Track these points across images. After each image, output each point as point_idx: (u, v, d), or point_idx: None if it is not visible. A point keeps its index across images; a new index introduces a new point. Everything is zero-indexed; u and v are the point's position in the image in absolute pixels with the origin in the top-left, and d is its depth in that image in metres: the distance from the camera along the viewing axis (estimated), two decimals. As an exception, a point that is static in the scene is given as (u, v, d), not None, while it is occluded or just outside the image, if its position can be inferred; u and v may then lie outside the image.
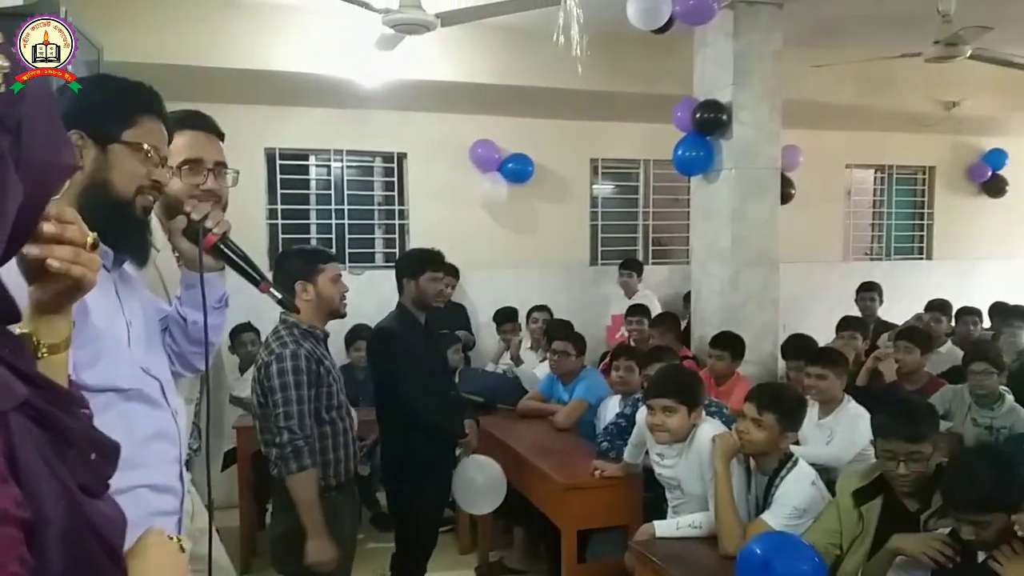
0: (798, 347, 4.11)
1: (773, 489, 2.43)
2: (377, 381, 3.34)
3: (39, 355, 0.93)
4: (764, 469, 2.50)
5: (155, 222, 1.74)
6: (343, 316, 2.68)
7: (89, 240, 0.89)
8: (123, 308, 1.36)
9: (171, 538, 0.93)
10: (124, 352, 1.33)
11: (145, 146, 1.35)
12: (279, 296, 1.56)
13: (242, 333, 4.71)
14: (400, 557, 3.28)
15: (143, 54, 4.19)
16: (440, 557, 3.36)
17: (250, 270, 1.53)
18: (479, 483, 3.27)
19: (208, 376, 1.62)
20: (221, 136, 1.83)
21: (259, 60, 4.73)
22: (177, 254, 1.59)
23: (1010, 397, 3.61)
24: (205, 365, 1.54)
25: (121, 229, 1.32)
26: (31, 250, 0.82)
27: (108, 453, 0.84)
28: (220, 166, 1.79)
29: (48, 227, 0.84)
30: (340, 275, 2.64)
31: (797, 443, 3.36)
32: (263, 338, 4.63)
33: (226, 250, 1.51)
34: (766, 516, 2.37)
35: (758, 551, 1.94)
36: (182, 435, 1.43)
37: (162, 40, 4.38)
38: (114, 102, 1.36)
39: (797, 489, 2.40)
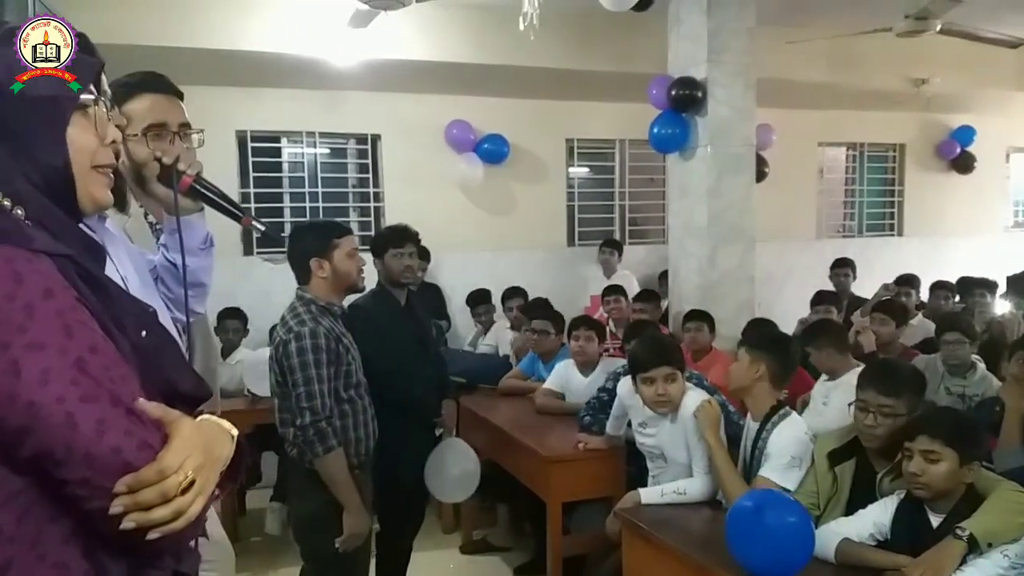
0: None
1: (765, 434, 2.45)
2: None
3: None
4: (756, 415, 2.53)
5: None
6: (362, 290, 2.65)
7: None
8: (116, 266, 1.36)
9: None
10: None
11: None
12: (262, 228, 1.55)
13: (227, 320, 4.61)
14: (385, 535, 3.25)
15: (107, 34, 4.08)
16: (424, 537, 3.34)
17: (229, 206, 1.52)
18: (451, 472, 3.18)
19: (188, 324, 1.61)
20: (181, 96, 1.77)
21: (228, 40, 4.65)
22: (147, 216, 1.57)
23: (982, 365, 3.67)
24: (185, 311, 1.54)
25: None
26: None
27: (161, 338, 1.03)
28: (184, 127, 1.72)
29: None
30: (356, 248, 2.58)
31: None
32: (247, 326, 4.65)
33: (202, 189, 1.50)
34: (764, 471, 2.38)
35: (748, 504, 1.98)
36: None
37: (127, 20, 4.29)
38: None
39: (791, 437, 2.40)
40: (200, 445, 0.90)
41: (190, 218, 1.52)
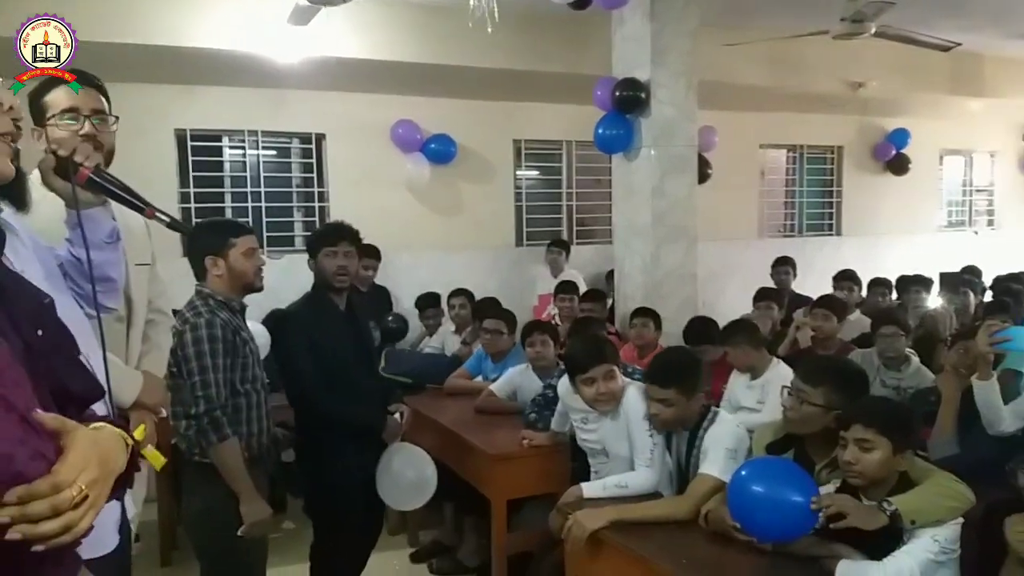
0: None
1: (697, 441, 2.47)
2: (281, 366, 3.14)
3: None
4: (685, 426, 2.55)
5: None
6: (259, 290, 2.58)
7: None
8: (12, 261, 1.30)
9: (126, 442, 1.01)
10: None
11: None
12: (167, 219, 1.53)
13: None
14: (318, 545, 3.13)
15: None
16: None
17: (132, 198, 1.51)
18: (405, 477, 3.06)
19: (100, 321, 1.55)
20: (101, 90, 1.91)
21: (165, 36, 4.53)
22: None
23: (916, 359, 3.78)
24: (95, 306, 1.48)
25: None
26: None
27: (57, 336, 1.00)
28: (98, 113, 1.85)
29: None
30: (255, 248, 2.53)
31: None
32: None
33: (101, 181, 1.48)
34: (704, 468, 2.40)
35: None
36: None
37: (56, 12, 4.14)
38: None
39: (724, 432, 2.45)
40: (96, 458, 0.88)
41: (93, 211, 1.51)
